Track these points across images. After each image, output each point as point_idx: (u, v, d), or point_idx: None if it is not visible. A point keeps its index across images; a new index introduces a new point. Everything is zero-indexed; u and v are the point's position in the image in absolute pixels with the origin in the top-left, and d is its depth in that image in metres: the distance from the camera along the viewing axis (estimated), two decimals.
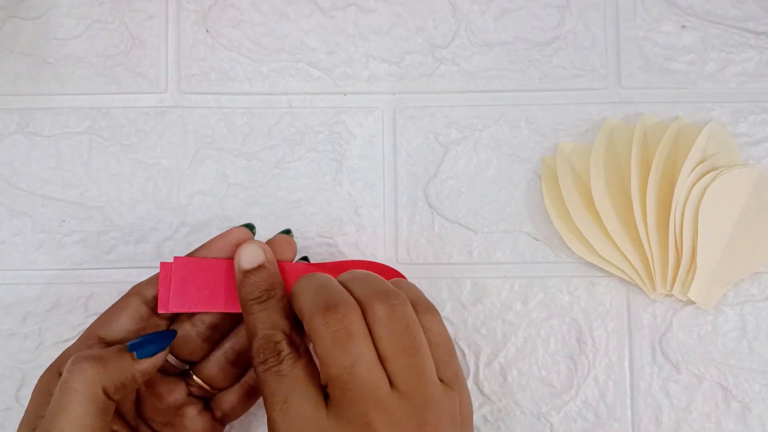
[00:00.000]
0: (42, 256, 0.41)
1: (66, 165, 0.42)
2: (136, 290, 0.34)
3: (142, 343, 0.32)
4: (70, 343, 0.40)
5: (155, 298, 0.33)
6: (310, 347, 0.31)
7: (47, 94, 0.42)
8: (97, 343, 0.33)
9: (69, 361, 0.30)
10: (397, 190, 0.42)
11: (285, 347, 0.30)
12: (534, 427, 0.40)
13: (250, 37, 0.42)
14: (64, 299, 0.41)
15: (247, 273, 0.33)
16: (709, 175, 0.40)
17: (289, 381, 0.29)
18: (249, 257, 0.33)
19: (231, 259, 0.34)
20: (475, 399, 0.40)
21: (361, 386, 0.28)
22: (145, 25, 0.42)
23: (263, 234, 0.41)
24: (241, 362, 0.35)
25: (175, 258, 0.34)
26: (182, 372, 0.36)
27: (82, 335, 0.34)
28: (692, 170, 0.40)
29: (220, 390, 0.36)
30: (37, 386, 0.32)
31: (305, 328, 0.30)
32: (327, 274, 0.32)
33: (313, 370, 0.30)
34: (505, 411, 0.40)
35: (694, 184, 0.40)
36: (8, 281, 0.41)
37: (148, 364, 0.32)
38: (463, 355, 0.40)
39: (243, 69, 0.42)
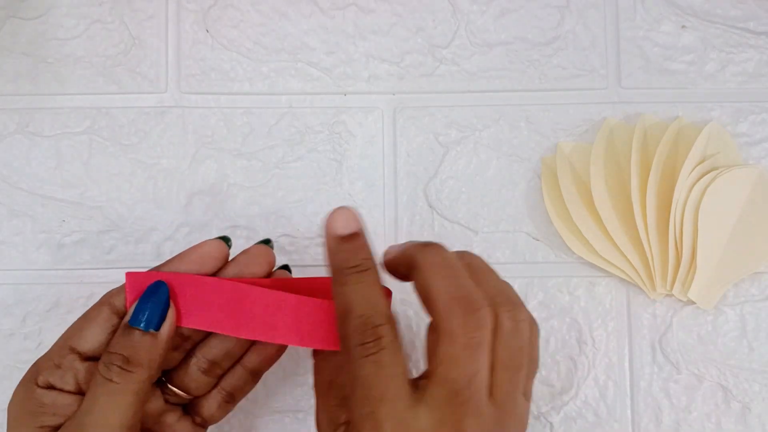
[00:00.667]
0: (42, 256, 0.41)
1: (66, 165, 0.42)
2: (106, 300, 0.33)
3: (141, 313, 0.31)
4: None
5: (125, 309, 0.32)
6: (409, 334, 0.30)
7: (47, 94, 0.42)
8: (69, 353, 0.32)
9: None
10: (397, 190, 0.42)
11: (387, 333, 0.28)
12: (534, 427, 0.40)
13: (250, 37, 0.42)
14: (64, 299, 0.41)
15: (343, 239, 0.30)
16: (709, 175, 0.40)
17: (388, 374, 0.27)
18: (345, 222, 0.30)
19: (207, 275, 0.33)
20: None
21: (471, 395, 0.27)
22: (145, 25, 0.42)
23: (263, 234, 0.41)
24: (215, 371, 0.34)
25: (144, 273, 0.32)
26: (157, 380, 0.35)
27: (53, 346, 0.32)
28: (692, 170, 0.40)
29: (197, 397, 0.35)
30: (15, 402, 0.32)
31: (434, 318, 0.28)
32: (454, 253, 0.30)
33: (406, 364, 0.28)
34: None
35: (694, 184, 0.40)
36: (8, 281, 0.41)
37: (166, 330, 0.31)
38: None
39: (243, 69, 0.42)
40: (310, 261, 0.41)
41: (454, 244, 0.41)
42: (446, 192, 0.42)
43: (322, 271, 0.41)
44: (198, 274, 0.32)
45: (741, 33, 0.42)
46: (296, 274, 0.41)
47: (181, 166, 0.42)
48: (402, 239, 0.41)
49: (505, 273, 0.41)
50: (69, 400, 0.31)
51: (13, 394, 0.32)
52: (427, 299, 0.29)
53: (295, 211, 0.41)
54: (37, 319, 0.41)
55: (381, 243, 0.41)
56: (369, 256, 0.30)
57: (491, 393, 0.28)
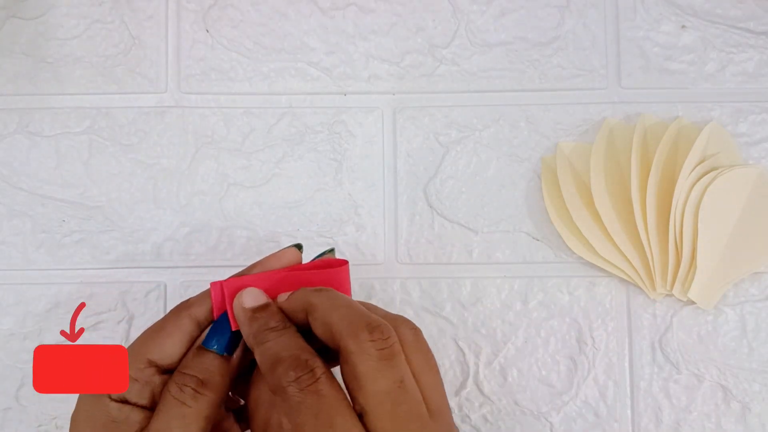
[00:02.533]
0: (42, 256, 0.41)
1: (66, 165, 0.42)
2: (185, 310, 0.32)
3: (215, 336, 0.31)
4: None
5: (207, 320, 0.32)
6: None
7: (47, 94, 0.42)
8: (148, 367, 0.30)
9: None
10: (397, 190, 0.42)
11: (319, 364, 0.28)
12: (534, 427, 0.40)
13: (250, 37, 0.42)
14: (63, 299, 0.41)
15: (255, 310, 0.31)
16: (709, 175, 0.40)
17: (330, 401, 0.27)
18: (253, 298, 0.31)
19: (283, 268, 0.33)
20: (475, 399, 0.40)
21: (410, 401, 0.28)
22: (145, 24, 0.42)
23: (263, 234, 0.41)
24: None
25: (229, 280, 0.32)
26: None
27: (131, 358, 0.31)
28: (692, 170, 0.40)
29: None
30: (84, 415, 0.30)
31: (342, 346, 0.28)
32: (344, 295, 0.32)
33: (345, 393, 0.28)
34: (505, 411, 0.40)
35: (694, 184, 0.40)
36: (8, 281, 0.41)
37: (238, 355, 0.31)
38: (463, 355, 0.40)
39: (243, 69, 0.42)
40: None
41: (454, 244, 0.41)
42: (446, 192, 0.42)
43: None
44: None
45: (741, 33, 0.42)
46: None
47: (181, 166, 0.42)
48: (402, 239, 0.41)
49: (505, 273, 0.41)
50: (140, 416, 0.30)
51: (80, 404, 0.30)
52: (329, 333, 0.29)
53: (295, 211, 0.41)
54: (36, 319, 0.41)
55: (381, 243, 0.41)
56: (284, 320, 0.31)
57: (425, 400, 0.28)
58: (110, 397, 0.30)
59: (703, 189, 0.39)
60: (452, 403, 0.40)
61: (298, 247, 0.34)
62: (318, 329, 0.30)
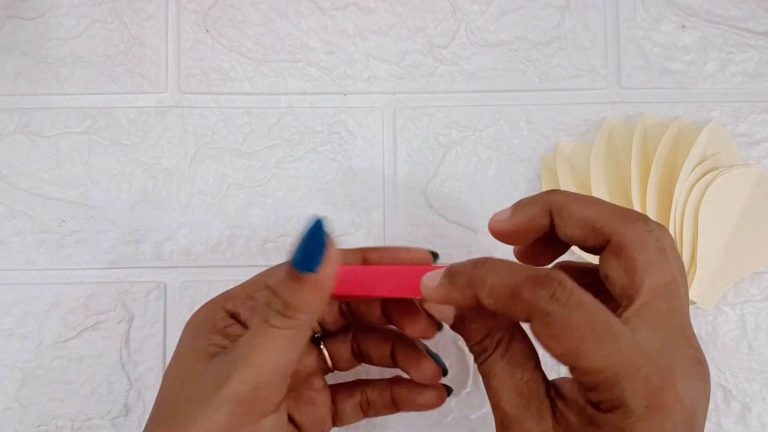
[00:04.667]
0: (42, 256, 0.41)
1: (66, 165, 0.42)
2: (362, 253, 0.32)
3: (299, 252, 0.28)
4: (70, 343, 0.40)
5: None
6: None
7: (47, 94, 0.42)
8: (264, 289, 0.31)
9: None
10: (397, 190, 0.42)
11: (563, 276, 0.25)
12: None
13: (250, 37, 0.42)
14: (63, 299, 0.41)
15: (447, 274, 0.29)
16: (709, 175, 0.40)
17: (596, 309, 0.25)
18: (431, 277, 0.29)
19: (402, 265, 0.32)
20: (476, 399, 0.40)
21: (683, 296, 0.26)
22: (145, 24, 0.42)
23: (263, 234, 0.41)
24: (364, 357, 0.34)
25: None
26: (314, 338, 0.34)
27: (250, 280, 0.32)
28: (692, 170, 0.40)
29: (340, 370, 0.35)
30: (199, 316, 0.32)
31: (615, 238, 0.26)
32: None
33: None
34: None
35: (694, 184, 0.40)
36: (8, 281, 0.41)
37: (326, 273, 0.28)
38: (464, 355, 0.40)
39: (243, 69, 0.42)
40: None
41: (454, 244, 0.41)
42: (446, 192, 0.42)
43: None
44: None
45: (741, 33, 0.42)
46: None
47: (181, 166, 0.42)
48: (402, 239, 0.41)
49: None
50: (240, 332, 0.30)
51: (200, 308, 0.32)
52: (589, 228, 0.27)
53: (295, 211, 0.41)
54: (36, 319, 0.41)
55: (380, 243, 0.41)
56: (486, 258, 0.28)
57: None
58: (224, 308, 0.31)
59: (703, 189, 0.39)
60: (452, 402, 0.40)
61: (434, 255, 0.34)
62: (570, 228, 0.27)
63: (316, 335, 0.34)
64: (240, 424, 0.27)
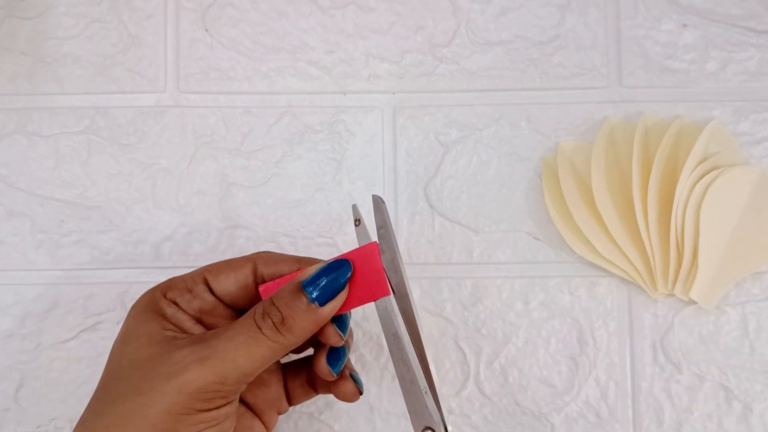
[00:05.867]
0: (41, 257, 0.41)
1: (64, 165, 0.41)
2: (254, 260, 0.33)
3: (318, 282, 0.30)
4: (69, 344, 0.40)
5: (263, 277, 0.33)
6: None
7: (46, 94, 0.42)
8: (202, 282, 0.33)
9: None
10: (397, 189, 0.41)
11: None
12: (535, 427, 0.40)
13: (250, 36, 0.42)
14: (62, 300, 0.41)
15: None
16: (710, 174, 0.40)
17: None
18: None
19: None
20: (476, 399, 0.40)
21: None
22: (144, 24, 0.42)
23: (262, 234, 0.41)
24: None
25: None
26: None
27: (190, 272, 0.33)
28: (693, 169, 0.40)
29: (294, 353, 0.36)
30: (141, 303, 0.32)
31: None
32: None
33: None
34: (506, 411, 0.40)
35: (695, 184, 0.39)
36: (7, 282, 0.41)
37: (329, 309, 0.31)
38: (464, 355, 0.40)
39: (242, 68, 0.42)
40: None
41: (454, 244, 0.41)
42: (446, 192, 0.41)
43: None
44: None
45: (742, 32, 0.42)
46: None
47: (180, 166, 0.42)
48: (402, 239, 0.41)
49: (505, 273, 0.41)
50: (189, 324, 0.32)
51: (138, 298, 0.33)
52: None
53: (295, 211, 0.41)
54: (35, 319, 0.41)
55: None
56: None
57: None
58: (164, 295, 0.32)
59: (704, 188, 0.39)
60: (453, 403, 0.40)
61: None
62: None
63: None
64: (197, 408, 0.29)
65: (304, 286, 0.30)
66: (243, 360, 0.29)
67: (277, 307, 0.30)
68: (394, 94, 0.42)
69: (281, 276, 0.33)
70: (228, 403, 0.30)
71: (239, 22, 0.42)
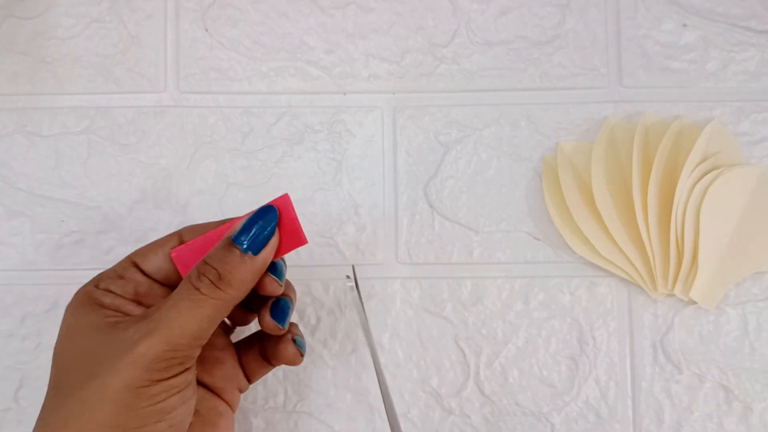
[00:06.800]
0: (41, 257, 0.41)
1: (64, 165, 0.41)
2: (180, 233, 0.34)
3: (247, 232, 0.31)
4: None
5: None
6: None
7: (45, 94, 0.42)
8: (131, 266, 0.33)
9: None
10: (397, 189, 0.41)
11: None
12: (535, 427, 0.40)
13: (249, 36, 0.42)
14: (63, 300, 0.41)
15: None
16: (710, 174, 0.40)
17: None
18: None
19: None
20: (476, 399, 0.40)
21: None
22: (144, 24, 0.42)
23: None
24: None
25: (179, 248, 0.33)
26: None
27: (117, 263, 0.33)
28: (693, 169, 0.40)
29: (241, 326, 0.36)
30: (76, 300, 0.32)
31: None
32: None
33: None
34: (506, 411, 0.40)
35: (695, 184, 0.39)
36: (7, 282, 0.41)
37: (264, 257, 0.31)
38: (464, 355, 0.40)
39: (242, 68, 0.42)
40: (308, 261, 0.41)
41: (454, 244, 0.41)
42: (446, 192, 0.41)
43: (322, 270, 0.41)
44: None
45: (742, 31, 0.42)
46: (297, 272, 0.40)
47: (180, 166, 0.42)
48: (402, 239, 0.41)
49: (505, 273, 0.41)
50: (129, 307, 0.32)
51: (74, 296, 0.32)
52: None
53: (295, 211, 0.41)
54: (35, 319, 0.41)
55: (381, 243, 0.41)
56: None
57: None
58: (97, 286, 0.32)
59: (704, 188, 0.39)
60: (453, 403, 0.40)
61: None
62: None
63: None
64: (155, 379, 0.29)
65: (234, 239, 0.31)
66: (189, 323, 0.29)
67: (211, 266, 0.30)
68: (394, 94, 0.42)
69: None
70: (186, 369, 0.30)
71: (239, 22, 0.42)
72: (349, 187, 0.41)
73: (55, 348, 0.31)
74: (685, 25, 0.42)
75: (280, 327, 0.33)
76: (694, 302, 0.40)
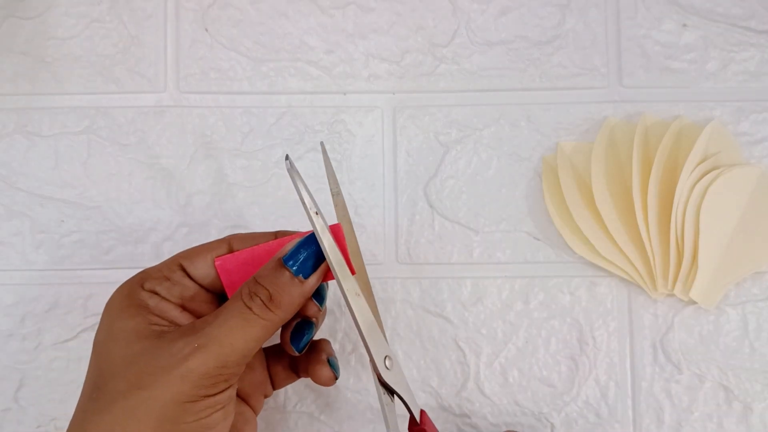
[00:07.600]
0: (41, 257, 0.41)
1: (64, 165, 0.41)
2: (229, 239, 0.34)
3: (298, 255, 0.31)
4: (69, 344, 0.40)
5: None
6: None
7: (46, 94, 0.42)
8: (179, 269, 0.32)
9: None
10: (397, 189, 0.41)
11: None
12: (535, 427, 0.40)
13: (250, 37, 0.42)
14: (62, 300, 0.41)
15: None
16: (710, 174, 0.40)
17: None
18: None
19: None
20: (476, 399, 0.40)
21: None
22: (144, 24, 0.42)
23: None
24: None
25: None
26: None
27: (163, 262, 0.33)
28: (693, 169, 0.40)
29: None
30: (118, 298, 0.32)
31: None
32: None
33: None
34: (506, 411, 0.40)
35: (695, 184, 0.39)
36: (7, 281, 0.41)
37: (313, 282, 0.31)
38: (464, 355, 0.40)
39: (242, 68, 0.42)
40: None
41: (454, 244, 0.41)
42: (446, 192, 0.41)
43: None
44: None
45: (742, 31, 0.42)
46: None
47: (180, 166, 0.42)
48: (402, 239, 0.41)
49: (505, 273, 0.41)
50: (174, 313, 0.31)
51: (115, 293, 0.32)
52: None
53: (295, 211, 0.41)
54: (35, 319, 0.41)
55: (381, 243, 0.41)
56: None
57: None
58: (142, 287, 0.31)
59: (704, 188, 0.39)
60: (453, 403, 0.40)
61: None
62: None
63: None
64: (202, 395, 0.29)
65: (285, 261, 0.31)
66: (239, 342, 0.29)
67: (262, 285, 0.30)
68: (394, 94, 0.42)
69: None
70: (230, 386, 0.30)
71: (239, 22, 0.42)
72: (349, 187, 0.41)
73: (96, 347, 0.31)
74: (685, 25, 0.42)
75: (295, 351, 0.33)
76: (694, 302, 0.40)
